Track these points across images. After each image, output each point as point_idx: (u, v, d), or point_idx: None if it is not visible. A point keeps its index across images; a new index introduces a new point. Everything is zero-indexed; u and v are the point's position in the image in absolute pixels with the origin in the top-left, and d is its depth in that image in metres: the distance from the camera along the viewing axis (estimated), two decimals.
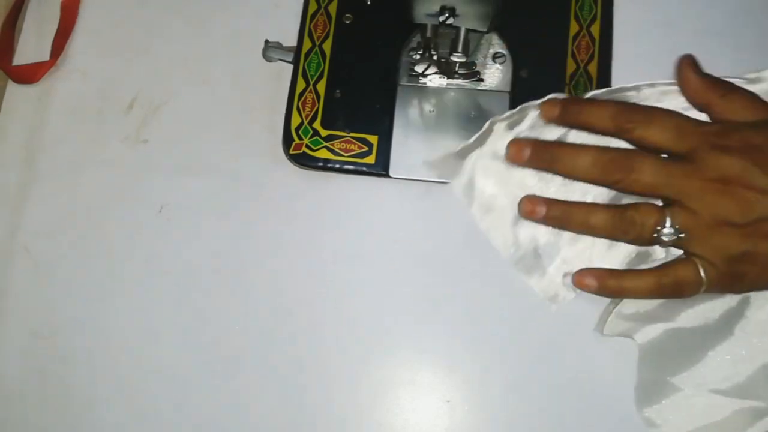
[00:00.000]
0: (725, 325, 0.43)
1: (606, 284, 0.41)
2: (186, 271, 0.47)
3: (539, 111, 0.42)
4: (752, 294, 0.43)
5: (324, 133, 0.47)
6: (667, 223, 0.39)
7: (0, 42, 0.51)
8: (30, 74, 0.50)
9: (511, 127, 0.43)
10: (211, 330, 0.46)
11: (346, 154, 0.47)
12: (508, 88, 0.48)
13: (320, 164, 0.47)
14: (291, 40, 0.49)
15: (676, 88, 0.42)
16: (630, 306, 0.43)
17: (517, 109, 0.42)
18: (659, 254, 0.43)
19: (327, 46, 0.49)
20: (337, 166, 0.47)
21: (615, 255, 0.44)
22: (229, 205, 0.48)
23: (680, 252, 0.41)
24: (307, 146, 0.47)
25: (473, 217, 0.44)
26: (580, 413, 0.44)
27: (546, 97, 0.42)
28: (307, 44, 0.49)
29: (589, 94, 0.42)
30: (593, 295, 0.43)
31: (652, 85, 0.43)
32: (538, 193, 0.43)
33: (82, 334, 0.46)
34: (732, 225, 0.38)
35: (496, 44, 0.48)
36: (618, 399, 0.44)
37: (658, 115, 0.40)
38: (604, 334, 0.44)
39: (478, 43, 0.48)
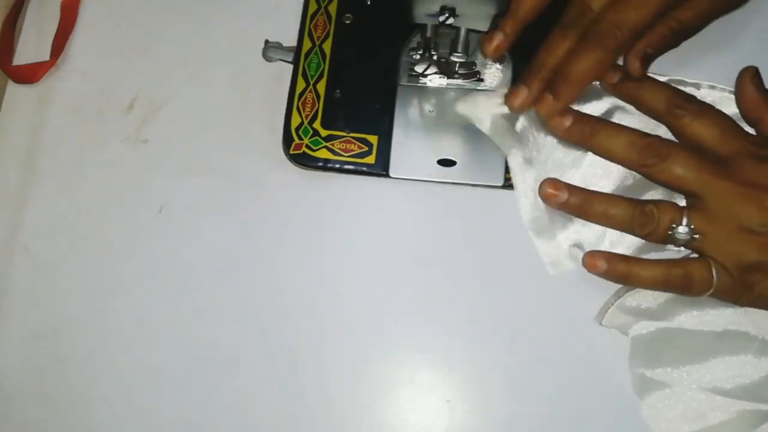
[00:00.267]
0: (729, 332, 0.43)
1: (615, 268, 0.41)
2: (186, 271, 0.47)
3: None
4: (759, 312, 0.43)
5: (324, 133, 0.47)
6: (684, 223, 0.39)
7: (0, 42, 0.51)
8: (30, 74, 0.50)
9: None
10: (211, 330, 0.46)
11: (346, 154, 0.47)
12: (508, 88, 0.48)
13: (320, 164, 0.47)
14: (291, 40, 0.49)
15: (733, 96, 0.43)
16: (632, 299, 0.43)
17: None
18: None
19: (327, 46, 0.49)
20: (337, 166, 0.47)
21: (629, 237, 0.43)
22: (229, 205, 0.48)
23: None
24: (307, 146, 0.47)
25: (509, 161, 0.44)
26: (580, 413, 0.44)
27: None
28: (307, 44, 0.49)
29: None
30: (592, 295, 0.43)
31: (712, 87, 0.44)
32: (567, 167, 0.44)
33: (82, 334, 0.46)
34: (751, 232, 0.39)
35: None
36: (618, 399, 0.44)
37: (709, 112, 0.41)
38: (603, 324, 0.44)
39: (479, 43, 0.48)
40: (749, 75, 0.42)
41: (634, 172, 0.43)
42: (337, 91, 0.48)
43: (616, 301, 0.43)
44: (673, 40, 0.43)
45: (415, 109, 0.48)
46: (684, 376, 0.43)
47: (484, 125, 0.45)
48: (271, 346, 0.45)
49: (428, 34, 0.45)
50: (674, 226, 0.40)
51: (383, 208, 0.47)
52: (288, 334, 0.46)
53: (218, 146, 0.49)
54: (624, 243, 0.44)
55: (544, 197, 0.43)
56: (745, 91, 0.42)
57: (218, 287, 0.46)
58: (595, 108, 0.44)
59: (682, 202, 0.42)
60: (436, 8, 0.41)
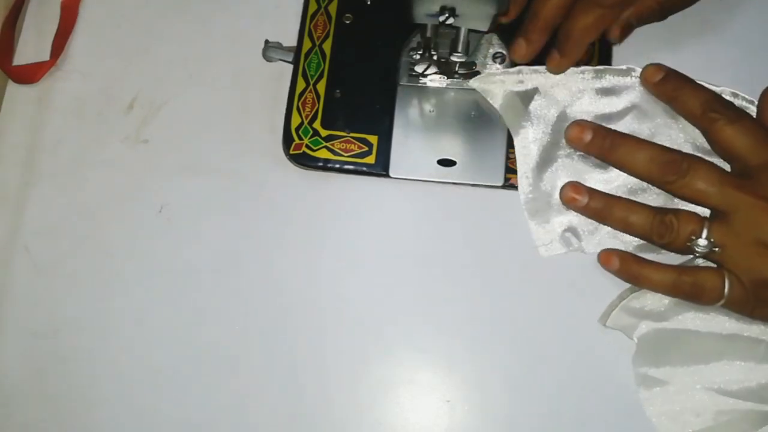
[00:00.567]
0: (736, 335, 0.43)
1: (628, 268, 0.42)
2: (186, 271, 0.47)
3: (635, 73, 0.44)
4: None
5: (324, 133, 0.47)
6: (704, 235, 0.39)
7: (0, 42, 0.51)
8: (30, 74, 0.50)
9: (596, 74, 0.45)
10: (211, 330, 0.46)
11: (346, 154, 0.47)
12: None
13: (320, 164, 0.47)
14: (291, 40, 0.49)
15: (754, 108, 0.43)
16: (637, 301, 0.43)
17: (602, 67, 0.45)
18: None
19: (327, 46, 0.49)
20: (337, 166, 0.47)
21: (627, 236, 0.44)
22: (229, 205, 0.48)
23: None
24: (307, 146, 0.47)
25: (515, 140, 0.45)
26: (580, 413, 0.44)
27: (652, 63, 0.43)
28: (307, 44, 0.49)
29: None
30: (592, 293, 0.43)
31: (734, 95, 0.44)
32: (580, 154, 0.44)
33: (82, 334, 0.46)
34: None
35: (496, 44, 0.48)
36: (618, 399, 0.44)
37: (745, 120, 0.40)
38: (607, 326, 0.44)
39: (478, 43, 0.48)
40: None
41: None
42: (337, 91, 0.48)
43: (620, 302, 0.43)
44: (660, 13, 0.44)
45: (415, 109, 0.48)
46: (688, 376, 0.43)
47: (497, 101, 0.46)
48: (271, 346, 0.45)
49: (428, 34, 0.45)
50: (693, 238, 0.40)
51: (383, 208, 0.47)
52: (288, 334, 0.46)
53: (218, 146, 0.49)
54: (619, 236, 0.44)
55: (566, 200, 0.43)
56: (765, 110, 0.42)
57: (218, 287, 0.46)
58: (612, 103, 0.45)
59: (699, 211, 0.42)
60: (436, 8, 0.41)
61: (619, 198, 0.43)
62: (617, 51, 0.48)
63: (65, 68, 0.51)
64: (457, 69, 0.47)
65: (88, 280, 0.47)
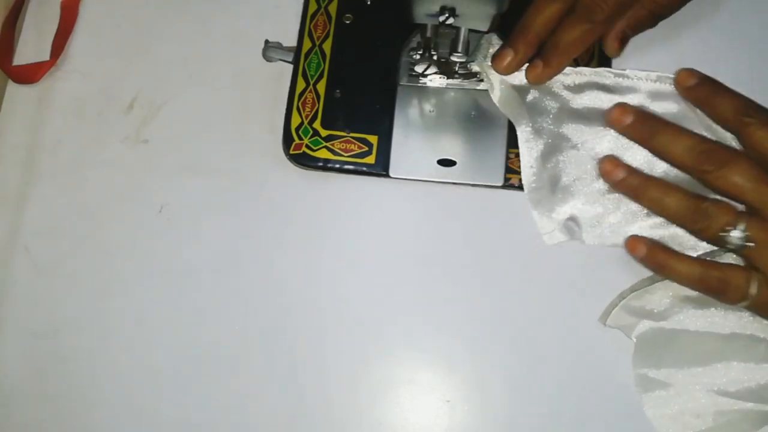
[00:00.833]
0: (736, 335, 0.43)
1: (655, 256, 0.41)
2: (186, 271, 0.47)
3: (671, 77, 0.43)
4: None
5: (324, 133, 0.47)
6: (740, 227, 0.39)
7: (0, 42, 0.51)
8: (30, 74, 0.50)
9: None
10: (211, 330, 0.46)
11: (346, 154, 0.47)
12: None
13: (320, 164, 0.47)
14: (291, 40, 0.49)
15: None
16: (637, 301, 0.43)
17: (601, 69, 0.45)
18: (687, 242, 0.43)
19: (327, 46, 0.49)
20: (337, 166, 0.47)
21: (631, 229, 0.44)
22: (229, 205, 0.48)
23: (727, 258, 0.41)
24: (307, 146, 0.47)
25: (518, 131, 0.45)
26: (580, 413, 0.44)
27: (685, 68, 0.43)
28: (307, 44, 0.49)
29: None
30: (592, 293, 0.43)
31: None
32: (589, 144, 0.44)
33: (82, 334, 0.46)
34: None
35: (496, 44, 0.48)
36: (618, 399, 0.44)
37: None
38: (607, 325, 0.44)
39: (478, 43, 0.48)
40: None
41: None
42: (337, 91, 0.48)
43: (620, 301, 0.43)
44: (651, 20, 0.44)
45: (415, 109, 0.48)
46: (688, 377, 0.43)
47: (495, 94, 0.45)
48: (271, 346, 0.45)
49: (428, 34, 0.45)
50: (728, 228, 0.39)
51: (383, 208, 0.47)
52: (288, 334, 0.46)
53: (218, 146, 0.49)
54: (621, 232, 0.44)
55: (603, 172, 0.43)
56: None
57: (218, 287, 0.46)
58: (615, 102, 0.44)
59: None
60: (436, 8, 0.41)
61: (658, 179, 0.42)
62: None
63: (65, 68, 0.51)
64: (457, 69, 0.47)
65: (88, 280, 0.47)
